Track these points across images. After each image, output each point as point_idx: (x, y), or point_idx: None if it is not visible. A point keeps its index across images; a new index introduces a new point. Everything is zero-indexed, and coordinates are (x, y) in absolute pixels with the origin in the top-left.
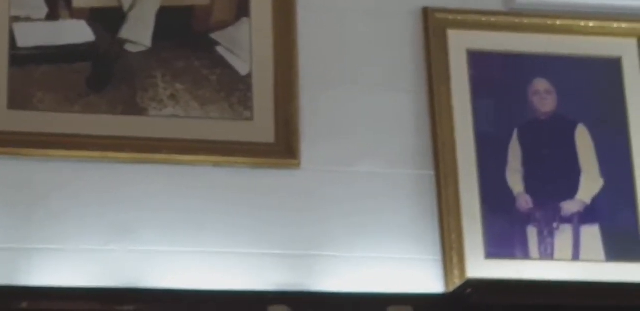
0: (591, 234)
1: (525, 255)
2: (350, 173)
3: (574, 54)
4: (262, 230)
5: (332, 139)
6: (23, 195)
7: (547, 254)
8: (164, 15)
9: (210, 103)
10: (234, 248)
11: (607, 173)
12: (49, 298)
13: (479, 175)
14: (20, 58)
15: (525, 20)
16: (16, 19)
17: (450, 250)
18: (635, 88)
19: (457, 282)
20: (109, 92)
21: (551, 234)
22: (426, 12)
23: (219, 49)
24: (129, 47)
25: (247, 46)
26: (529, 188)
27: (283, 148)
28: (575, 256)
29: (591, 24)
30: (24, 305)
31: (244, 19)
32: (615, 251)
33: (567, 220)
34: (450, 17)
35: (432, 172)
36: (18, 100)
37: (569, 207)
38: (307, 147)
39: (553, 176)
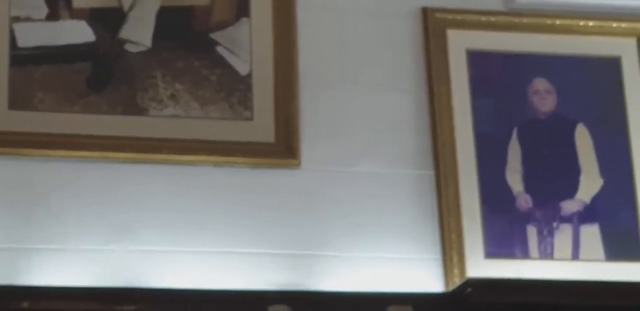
0: (591, 234)
1: (525, 255)
2: (350, 173)
3: (574, 54)
4: (262, 230)
5: (332, 139)
6: (23, 195)
7: (546, 253)
8: (164, 15)
9: (210, 103)
10: (234, 248)
11: (607, 173)
12: (49, 298)
13: (478, 174)
14: (21, 58)
15: (525, 20)
16: (16, 19)
17: (450, 250)
18: (635, 88)
19: (457, 282)
20: (109, 92)
21: (551, 234)
22: (426, 12)
23: (219, 49)
24: (129, 47)
25: (247, 46)
26: (528, 188)
27: (283, 148)
28: (575, 256)
29: (591, 23)
30: (25, 304)
31: (244, 19)
32: (615, 250)
33: (567, 219)
34: (450, 16)
35: (431, 172)
36: (18, 100)
37: (569, 207)
38: (307, 146)
39: (553, 176)
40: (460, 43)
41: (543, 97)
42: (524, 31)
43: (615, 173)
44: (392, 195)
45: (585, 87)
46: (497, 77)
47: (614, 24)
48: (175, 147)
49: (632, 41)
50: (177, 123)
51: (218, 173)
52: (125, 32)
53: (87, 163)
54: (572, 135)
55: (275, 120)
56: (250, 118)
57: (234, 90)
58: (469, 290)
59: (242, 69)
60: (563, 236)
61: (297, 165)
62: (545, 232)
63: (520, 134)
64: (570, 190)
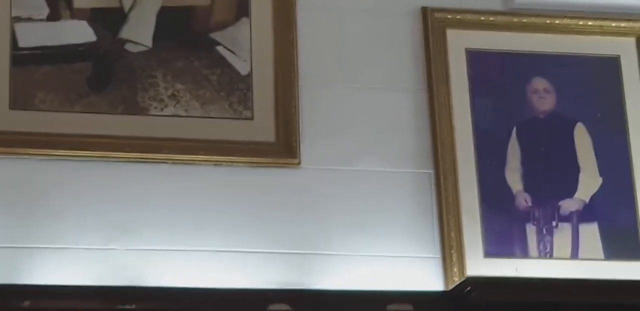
0: (590, 232)
1: (524, 254)
2: (350, 172)
3: (573, 53)
4: (262, 229)
5: (331, 138)
6: (24, 195)
7: (546, 252)
8: (165, 16)
9: (211, 102)
10: (234, 247)
11: (606, 172)
12: (50, 297)
13: (478, 173)
14: (22, 58)
15: (524, 20)
16: (17, 19)
17: (450, 249)
18: (634, 87)
19: (456, 280)
20: (110, 92)
21: (550, 232)
22: (425, 12)
23: (219, 49)
24: (129, 47)
25: (247, 46)
26: (528, 187)
27: (283, 147)
28: (574, 255)
29: (590, 23)
30: (26, 303)
31: (244, 19)
32: (614, 249)
33: (566, 218)
34: (449, 16)
35: (431, 171)
36: (19, 100)
37: (568, 206)
38: (307, 146)
39: (552, 174)
40: (459, 42)
41: (542, 96)
42: (523, 31)
43: (614, 172)
44: (392, 194)
45: (584, 87)
46: (496, 76)
47: (613, 24)
48: (176, 146)
49: (631, 41)
50: (177, 122)
51: (218, 173)
52: (125, 32)
53: (87, 162)
54: (571, 134)
55: (275, 120)
56: (251, 118)
57: (234, 89)
58: (469, 288)
59: (242, 68)
60: (562, 235)
61: (297, 164)
62: (544, 231)
63: (520, 133)
64: (570, 189)
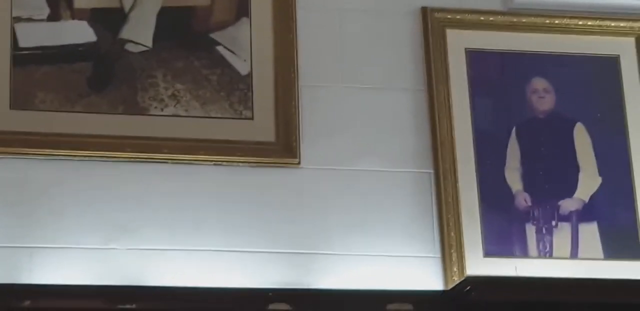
0: (589, 232)
1: (524, 253)
2: (349, 171)
3: (572, 53)
4: (262, 229)
5: (331, 138)
6: (24, 195)
7: (545, 252)
8: (165, 16)
9: (211, 102)
10: (235, 246)
11: (605, 172)
12: (50, 296)
13: (477, 173)
14: (22, 58)
15: (524, 20)
16: (18, 19)
17: (450, 248)
18: (633, 87)
19: (456, 280)
20: (110, 92)
21: (550, 232)
22: (425, 12)
23: (219, 49)
24: (129, 47)
25: (247, 46)
26: (527, 187)
27: (283, 147)
28: (574, 254)
29: (589, 23)
30: (26, 303)
31: (244, 19)
32: (614, 249)
33: (566, 218)
34: (449, 16)
35: (431, 171)
36: (20, 100)
37: (568, 205)
38: (307, 145)
39: (551, 174)
40: (459, 42)
41: (542, 96)
42: (523, 31)
43: (613, 172)
44: (392, 193)
45: (584, 86)
46: (496, 76)
47: (613, 24)
48: (176, 146)
49: (631, 40)
50: (177, 122)
51: (218, 172)
52: (126, 32)
53: (88, 162)
54: (571, 134)
55: (275, 120)
56: (251, 118)
57: (234, 89)
58: (468, 288)
59: (242, 68)
60: (562, 234)
61: (297, 164)
62: (544, 231)
63: (519, 133)
64: (569, 188)
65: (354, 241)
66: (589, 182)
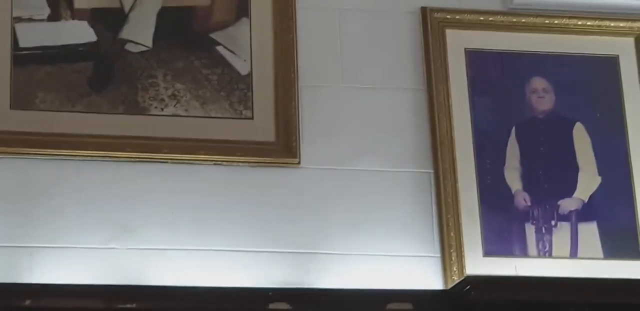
0: (589, 231)
1: (524, 253)
2: (349, 171)
3: (572, 53)
4: (262, 228)
5: (331, 138)
6: (25, 194)
7: (545, 251)
8: (165, 16)
9: (211, 102)
10: (235, 246)
11: (605, 171)
12: (51, 295)
13: (477, 173)
14: (23, 58)
15: (523, 20)
16: (18, 19)
17: (449, 248)
18: (632, 87)
19: (455, 279)
20: (110, 92)
21: (549, 232)
22: (425, 12)
23: (219, 49)
24: (129, 47)
25: (247, 46)
26: (527, 186)
27: (283, 147)
28: (573, 254)
29: (588, 23)
30: (27, 302)
31: (244, 19)
32: (613, 248)
33: (565, 217)
34: (449, 16)
35: (430, 170)
36: (20, 100)
37: (567, 205)
38: (307, 145)
39: (551, 174)
40: (459, 42)
41: (541, 96)
42: (522, 31)
43: (613, 172)
44: (392, 193)
45: (583, 86)
46: (495, 76)
47: (612, 24)
48: (176, 146)
49: (630, 40)
50: (177, 122)
51: (218, 172)
52: (126, 32)
53: (88, 162)
54: (570, 133)
55: (275, 120)
56: (251, 118)
57: (234, 89)
58: (468, 287)
59: (242, 68)
60: (561, 234)
61: (297, 164)
62: (543, 230)
63: (519, 133)
64: (569, 188)
65: (354, 240)
66: (588, 182)
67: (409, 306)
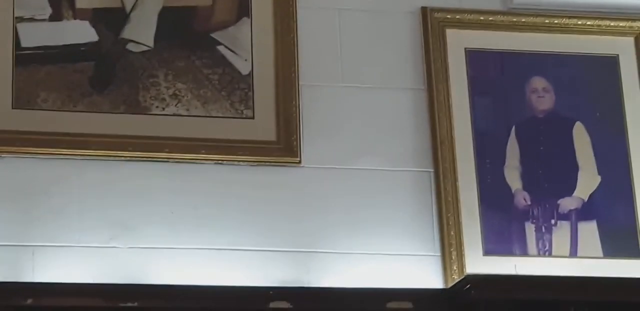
0: (589, 230)
1: (524, 252)
2: (350, 170)
3: (572, 53)
4: (263, 227)
5: (332, 137)
6: (27, 193)
7: (545, 250)
8: (166, 16)
9: (212, 102)
10: (236, 245)
11: (605, 170)
12: (52, 294)
13: (477, 172)
14: (24, 58)
15: (523, 19)
16: (20, 19)
17: (449, 247)
18: (632, 86)
19: (455, 278)
20: (112, 91)
21: (549, 231)
22: (425, 12)
23: (220, 49)
24: (131, 47)
25: (248, 46)
26: (526, 185)
27: (284, 146)
28: (573, 253)
29: (588, 22)
30: (29, 301)
31: (245, 19)
32: (613, 247)
33: (565, 216)
34: (449, 16)
35: (431, 170)
36: (22, 100)
37: (567, 204)
38: (308, 144)
39: (551, 173)
40: (459, 42)
41: (541, 95)
42: (522, 30)
43: (612, 171)
44: (392, 192)
45: (583, 86)
46: (495, 75)
47: (612, 23)
48: (177, 145)
49: (630, 40)
50: (179, 122)
51: (219, 171)
52: (127, 32)
53: (89, 161)
54: (570, 133)
55: (275, 119)
56: (251, 117)
57: (235, 89)
58: (468, 286)
59: (243, 68)
60: (561, 233)
61: (298, 163)
62: (543, 229)
63: (519, 132)
64: (568, 187)
65: (354, 239)
66: (588, 181)
67: (409, 305)
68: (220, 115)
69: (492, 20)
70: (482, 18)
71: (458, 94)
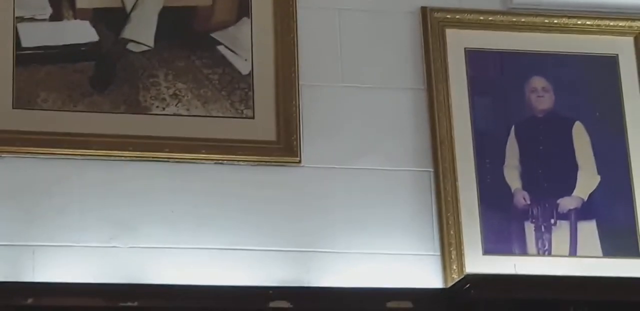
0: (588, 230)
1: (523, 251)
2: (350, 170)
3: (571, 52)
4: (263, 227)
5: (332, 137)
6: (27, 193)
7: (544, 250)
8: (166, 15)
9: (212, 102)
10: (236, 244)
11: (604, 170)
12: (53, 294)
13: (477, 172)
14: (25, 58)
15: (523, 19)
16: (20, 19)
17: (449, 246)
18: (632, 86)
19: (455, 278)
20: (112, 91)
21: (548, 230)
22: (425, 12)
23: (220, 49)
24: (131, 47)
25: (248, 45)
26: (526, 185)
27: (284, 146)
28: (573, 252)
29: (588, 22)
30: (29, 301)
31: (245, 19)
32: (612, 246)
33: (564, 216)
34: (449, 16)
35: (430, 169)
36: (22, 100)
37: (566, 203)
38: (308, 144)
39: (550, 173)
40: (458, 42)
41: (541, 95)
42: (522, 30)
43: (612, 170)
44: (392, 192)
45: (583, 86)
46: (495, 75)
47: (611, 23)
48: (177, 145)
49: (629, 40)
50: (179, 121)
51: (219, 171)
52: (127, 32)
53: (90, 161)
54: (570, 132)
55: (275, 119)
56: (252, 117)
57: (235, 89)
58: (468, 285)
59: (243, 68)
60: (560, 232)
61: (298, 163)
62: (543, 229)
63: (518, 132)
64: (568, 187)
65: (354, 239)
66: (587, 180)
67: (409, 304)
68: (221, 115)
69: (491, 20)
70: (481, 18)
71: (458, 94)
